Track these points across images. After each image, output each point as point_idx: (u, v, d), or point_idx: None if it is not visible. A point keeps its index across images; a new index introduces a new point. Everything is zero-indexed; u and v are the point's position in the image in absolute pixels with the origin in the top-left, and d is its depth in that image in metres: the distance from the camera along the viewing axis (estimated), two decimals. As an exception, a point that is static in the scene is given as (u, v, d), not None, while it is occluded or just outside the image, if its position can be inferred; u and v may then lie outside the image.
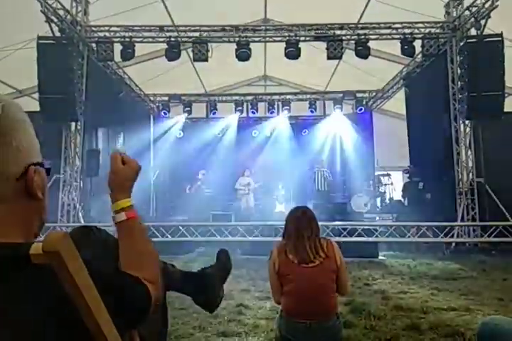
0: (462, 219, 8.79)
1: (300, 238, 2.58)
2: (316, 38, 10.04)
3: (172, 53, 9.66)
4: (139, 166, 1.05)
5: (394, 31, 9.78)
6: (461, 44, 9.16)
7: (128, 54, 9.61)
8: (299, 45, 9.64)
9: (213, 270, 1.79)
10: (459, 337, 2.99)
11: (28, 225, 0.76)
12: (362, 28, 9.88)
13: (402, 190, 11.19)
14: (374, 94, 14.28)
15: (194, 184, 11.84)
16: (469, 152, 9.30)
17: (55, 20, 8.77)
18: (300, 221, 2.66)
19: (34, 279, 0.65)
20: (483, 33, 8.68)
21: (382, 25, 9.78)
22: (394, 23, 9.72)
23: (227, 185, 13.28)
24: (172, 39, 9.74)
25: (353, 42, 9.97)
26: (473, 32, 9.05)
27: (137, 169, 1.04)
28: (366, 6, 10.15)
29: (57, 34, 8.94)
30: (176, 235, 8.12)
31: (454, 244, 8.39)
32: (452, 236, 8.09)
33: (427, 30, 9.74)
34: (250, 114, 14.47)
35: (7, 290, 0.64)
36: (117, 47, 9.59)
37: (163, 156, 15.31)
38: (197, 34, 10.01)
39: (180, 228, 8.25)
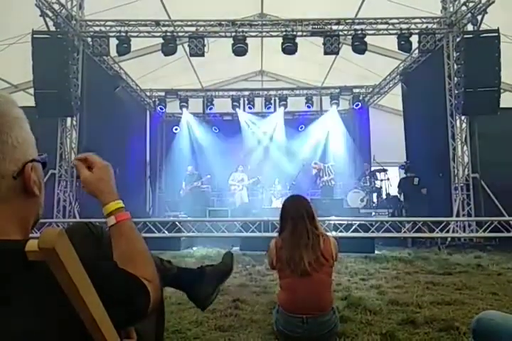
0: (458, 215, 8.85)
1: (296, 235, 2.59)
2: (313, 33, 10.02)
3: (168, 48, 9.60)
4: (106, 165, 1.00)
5: (391, 26, 9.77)
6: (458, 39, 9.16)
7: (124, 49, 9.54)
8: (296, 40, 9.62)
9: (213, 269, 1.80)
10: (453, 331, 3.01)
11: (24, 222, 0.76)
12: (359, 24, 9.86)
13: (398, 186, 11.22)
14: (371, 89, 14.29)
15: (189, 181, 11.78)
16: (465, 147, 9.34)
17: (50, 14, 8.69)
18: (295, 210, 2.67)
19: (30, 277, 0.65)
20: (480, 29, 8.68)
21: (379, 20, 9.76)
22: (391, 19, 9.71)
23: (224, 181, 13.28)
24: (168, 34, 9.68)
25: (349, 37, 9.96)
26: (469, 27, 9.06)
27: (106, 169, 1.00)
28: (363, 1, 10.11)
29: (52, 28, 8.87)
30: (172, 231, 8.12)
31: (449, 239, 8.45)
32: (448, 232, 8.13)
33: (424, 26, 9.73)
34: (247, 110, 14.45)
35: (4, 289, 0.64)
36: (113, 42, 9.53)
37: (160, 151, 15.32)
38: (193, 29, 9.95)
39: (177, 223, 8.25)
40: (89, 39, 9.70)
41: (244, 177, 11.73)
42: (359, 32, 9.61)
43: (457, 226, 8.51)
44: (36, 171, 0.76)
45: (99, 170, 0.98)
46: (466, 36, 8.84)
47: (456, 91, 9.14)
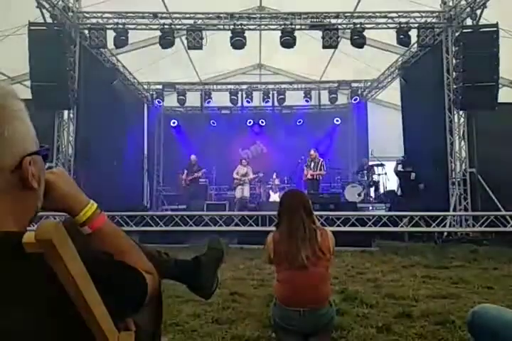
0: (454, 209, 8.89)
1: (293, 229, 2.59)
2: (312, 27, 9.95)
3: (166, 41, 9.54)
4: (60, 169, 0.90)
5: (390, 20, 9.72)
6: (457, 34, 9.12)
7: (121, 41, 9.47)
8: (295, 34, 9.56)
9: (206, 257, 1.80)
10: (449, 325, 3.04)
11: (22, 215, 0.75)
12: (358, 17, 9.80)
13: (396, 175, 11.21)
14: (369, 84, 14.25)
15: (191, 170, 11.77)
16: (463, 142, 9.35)
17: (47, 5, 8.61)
18: (292, 204, 2.67)
19: (28, 269, 0.65)
20: (479, 23, 8.65)
21: (378, 14, 9.71)
22: (390, 12, 9.65)
23: (222, 175, 13.28)
24: (166, 26, 9.61)
25: (348, 31, 9.91)
26: (468, 22, 9.02)
27: (62, 171, 0.89)
28: (362, -5, 10.05)
29: (49, 20, 8.78)
30: (170, 224, 8.12)
31: (446, 234, 8.49)
32: (444, 226, 8.17)
33: (423, 20, 9.68)
34: (245, 103, 14.40)
35: (1, 281, 0.64)
36: (110, 34, 9.45)
37: (157, 145, 15.29)
38: (191, 21, 9.87)
39: (175, 217, 8.25)
40: (86, 31, 9.60)
41: (249, 171, 11.67)
42: (358, 26, 9.56)
43: (454, 220, 8.55)
44: (36, 164, 0.75)
45: (57, 174, 0.86)
46: (465, 31, 8.81)
47: (455, 86, 9.13)
